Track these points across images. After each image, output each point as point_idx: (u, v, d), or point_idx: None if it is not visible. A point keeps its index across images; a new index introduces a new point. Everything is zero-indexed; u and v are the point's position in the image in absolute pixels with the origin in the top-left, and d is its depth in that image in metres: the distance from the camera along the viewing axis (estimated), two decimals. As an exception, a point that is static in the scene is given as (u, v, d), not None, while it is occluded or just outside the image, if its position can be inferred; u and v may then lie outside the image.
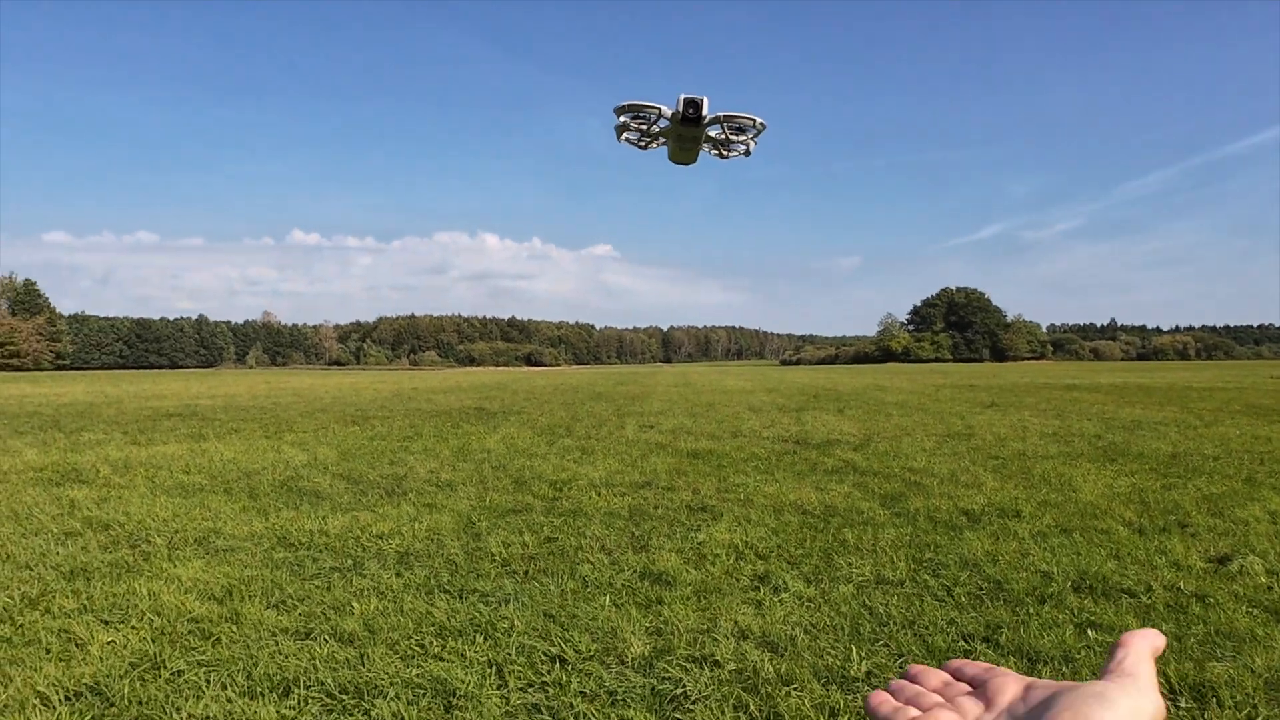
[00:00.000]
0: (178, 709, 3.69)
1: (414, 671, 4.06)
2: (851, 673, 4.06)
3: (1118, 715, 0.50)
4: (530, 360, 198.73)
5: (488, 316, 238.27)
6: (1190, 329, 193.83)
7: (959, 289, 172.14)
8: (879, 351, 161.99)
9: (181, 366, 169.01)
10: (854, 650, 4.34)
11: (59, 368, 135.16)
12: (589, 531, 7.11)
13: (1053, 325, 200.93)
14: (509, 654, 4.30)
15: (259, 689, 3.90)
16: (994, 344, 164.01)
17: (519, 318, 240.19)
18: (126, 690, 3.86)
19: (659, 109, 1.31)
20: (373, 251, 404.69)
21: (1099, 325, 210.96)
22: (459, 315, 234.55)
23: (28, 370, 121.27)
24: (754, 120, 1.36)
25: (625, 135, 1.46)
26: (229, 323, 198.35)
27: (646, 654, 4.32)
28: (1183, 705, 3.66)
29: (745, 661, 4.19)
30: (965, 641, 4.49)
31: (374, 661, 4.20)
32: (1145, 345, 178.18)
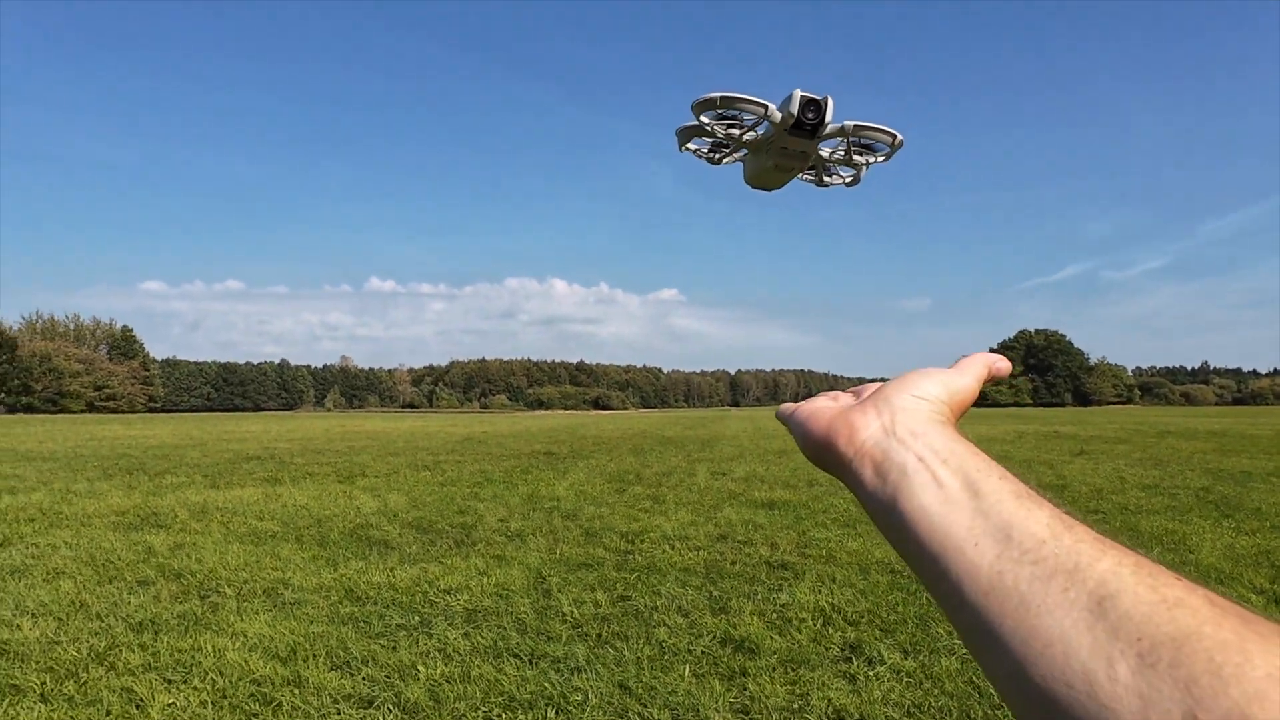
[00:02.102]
0: (232, 787, 3.46)
1: (481, 751, 3.75)
2: (967, 768, 3.59)
3: (932, 381, 0.62)
4: (598, 404, 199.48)
5: (556, 360, 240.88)
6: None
7: (1037, 331, 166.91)
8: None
9: (264, 409, 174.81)
10: (967, 740, 3.87)
11: (151, 410, 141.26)
12: (664, 590, 6.75)
13: (1139, 368, 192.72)
14: (583, 733, 3.96)
15: (318, 765, 3.64)
16: (1076, 387, 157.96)
17: (586, 361, 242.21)
18: (182, 763, 3.65)
19: (764, 106, 0.91)
20: (445, 297, 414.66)
21: (1189, 368, 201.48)
22: (528, 359, 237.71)
23: (122, 412, 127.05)
24: (891, 135, 0.98)
25: (692, 143, 1.05)
26: (309, 366, 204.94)
27: (733, 736, 3.93)
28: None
29: (844, 750, 3.76)
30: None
31: (439, 737, 3.91)
32: (1241, 389, 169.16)
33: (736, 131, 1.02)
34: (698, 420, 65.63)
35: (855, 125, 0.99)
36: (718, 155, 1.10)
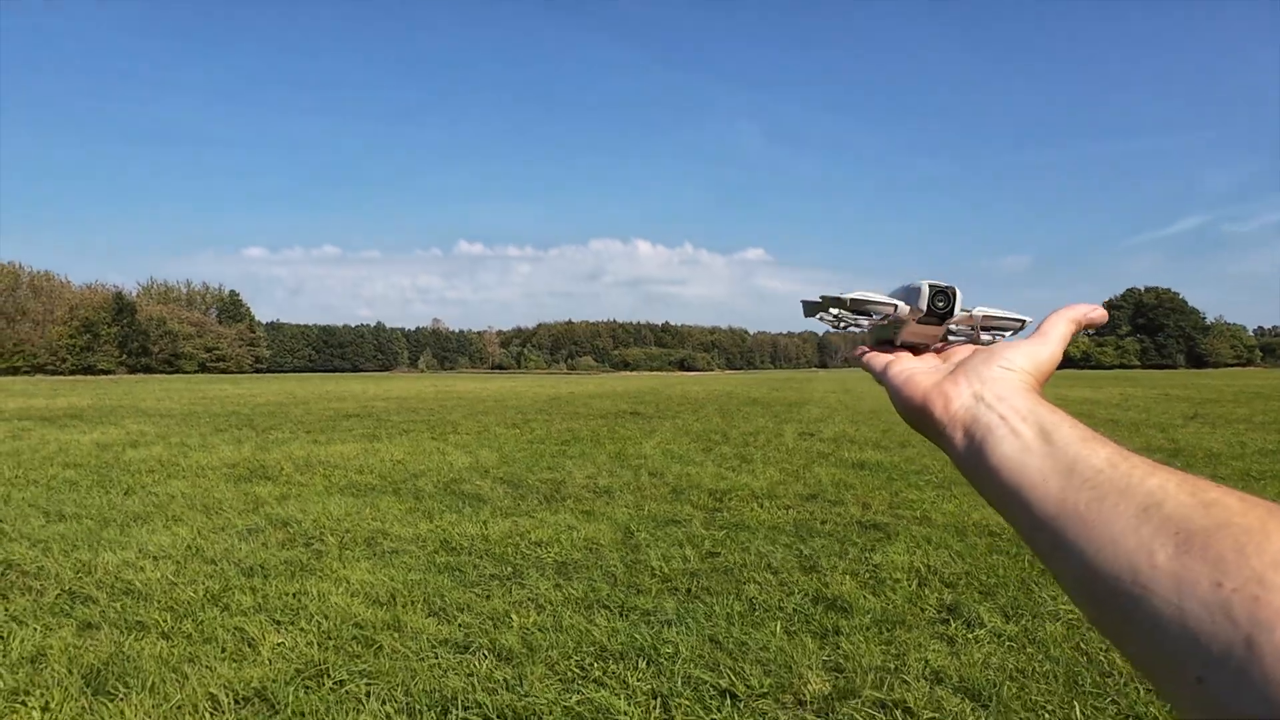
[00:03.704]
0: (338, 722, 3.59)
1: (574, 698, 3.79)
2: (1076, 735, 3.44)
3: (1018, 352, 0.67)
4: (683, 365, 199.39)
5: (641, 321, 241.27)
6: None
7: (1147, 289, 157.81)
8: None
9: (361, 369, 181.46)
10: (1076, 707, 3.70)
11: (257, 370, 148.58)
12: (753, 547, 6.69)
13: (1261, 328, 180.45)
14: (674, 685, 3.95)
15: (418, 706, 3.75)
16: (1190, 349, 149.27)
17: (671, 323, 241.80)
18: (291, 698, 3.81)
19: (894, 305, 0.86)
20: (532, 260, 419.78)
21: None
22: (613, 321, 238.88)
23: (231, 372, 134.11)
24: (1020, 322, 0.91)
25: (817, 316, 1.01)
26: (403, 329, 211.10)
27: (827, 693, 3.86)
28: None
29: (943, 711, 3.65)
30: (1216, 704, 3.74)
31: (533, 683, 3.97)
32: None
33: (865, 323, 0.98)
34: (785, 381, 64.95)
35: (984, 315, 0.93)
36: (843, 325, 1.07)
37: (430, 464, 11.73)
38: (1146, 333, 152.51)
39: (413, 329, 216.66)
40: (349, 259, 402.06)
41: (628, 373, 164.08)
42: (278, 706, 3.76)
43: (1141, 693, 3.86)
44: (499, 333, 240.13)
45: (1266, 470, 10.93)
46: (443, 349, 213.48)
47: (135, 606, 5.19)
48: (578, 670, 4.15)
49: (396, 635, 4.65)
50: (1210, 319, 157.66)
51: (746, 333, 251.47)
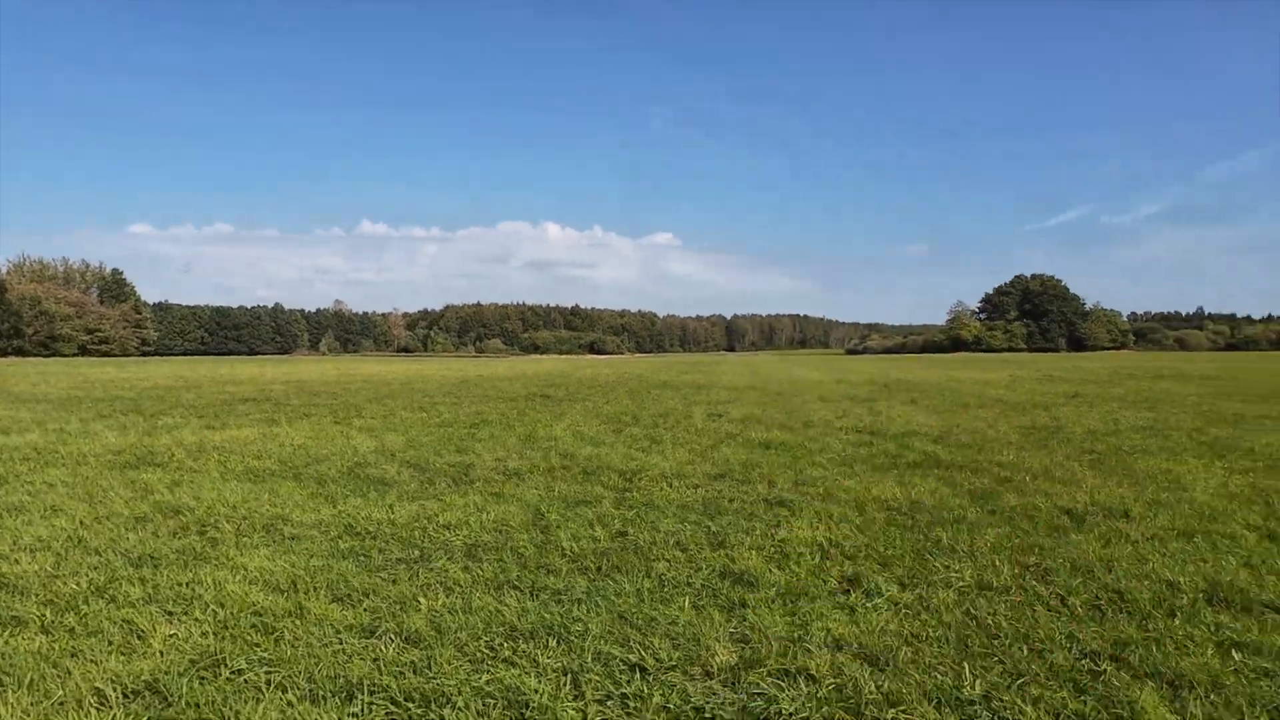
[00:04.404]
0: (236, 712, 3.47)
1: (484, 678, 3.77)
2: (965, 694, 3.63)
3: None
4: (593, 348, 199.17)
5: (550, 304, 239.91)
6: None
7: (1034, 276, 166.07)
8: (948, 341, 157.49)
9: (259, 353, 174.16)
10: (965, 667, 3.90)
11: (144, 353, 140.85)
12: (662, 526, 6.77)
13: (1134, 314, 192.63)
14: (584, 661, 3.98)
15: (321, 692, 3.66)
16: (1071, 333, 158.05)
17: (581, 306, 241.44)
18: (185, 690, 3.66)
19: None
20: (439, 241, 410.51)
21: (1184, 314, 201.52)
22: (523, 303, 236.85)
23: (115, 356, 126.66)
24: None
25: None
26: (303, 311, 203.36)
27: (733, 664, 3.96)
28: (1367, 748, 3.14)
29: (843, 677, 3.79)
30: (1091, 660, 4.01)
31: (442, 665, 3.93)
32: (1235, 335, 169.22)
33: None
34: (693, 364, 65.76)
35: None
36: None
37: (333, 448, 11.40)
38: (1033, 318, 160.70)
39: (314, 311, 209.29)
40: (244, 237, 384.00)
41: (537, 356, 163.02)
42: (170, 699, 3.61)
43: (1025, 651, 4.10)
44: (405, 315, 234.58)
45: (1138, 445, 11.71)
46: (346, 331, 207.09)
47: (10, 601, 4.88)
48: (487, 651, 4.13)
49: (299, 622, 4.52)
50: (1089, 305, 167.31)
51: (656, 316, 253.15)
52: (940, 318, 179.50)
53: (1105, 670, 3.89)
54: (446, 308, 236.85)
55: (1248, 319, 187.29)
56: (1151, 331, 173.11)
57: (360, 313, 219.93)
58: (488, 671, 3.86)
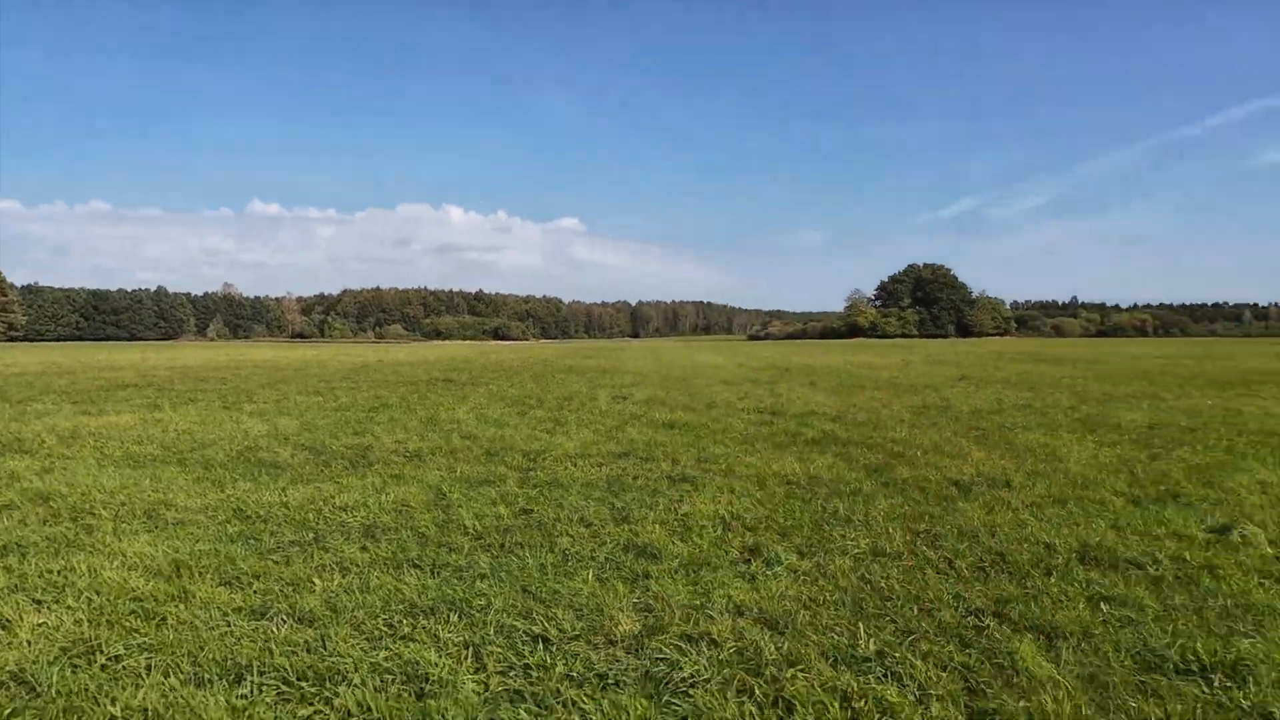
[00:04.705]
0: (113, 699, 3.28)
1: (381, 654, 3.68)
2: (860, 652, 3.75)
3: None
4: (497, 334, 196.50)
5: (454, 290, 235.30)
6: (1148, 306, 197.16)
7: (925, 265, 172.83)
8: (846, 327, 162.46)
9: (141, 338, 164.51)
10: (860, 628, 4.04)
11: (11, 339, 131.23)
12: (567, 503, 6.75)
13: (1016, 302, 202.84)
14: (486, 634, 3.93)
15: (207, 675, 3.50)
16: (960, 320, 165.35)
17: (485, 291, 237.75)
18: (55, 678, 3.43)
19: None
20: (335, 223, 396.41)
21: (1060, 302, 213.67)
22: (424, 288, 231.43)
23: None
24: None
25: None
26: (189, 294, 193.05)
27: (637, 632, 3.98)
28: (1216, 683, 3.41)
29: (744, 640, 3.86)
30: (976, 617, 4.21)
31: (337, 643, 3.81)
32: (1105, 322, 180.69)
33: None
34: (599, 349, 65.76)
35: None
36: None
37: (221, 433, 10.89)
38: (924, 305, 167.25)
39: (201, 294, 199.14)
40: (123, 216, 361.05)
41: (440, 341, 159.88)
42: (39, 688, 3.38)
43: (916, 611, 4.27)
44: (300, 299, 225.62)
45: (1019, 422, 12.36)
46: (236, 316, 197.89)
47: None
48: (386, 628, 4.03)
49: (183, 606, 4.30)
50: (976, 293, 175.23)
51: (561, 302, 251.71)
52: (839, 305, 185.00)
53: (988, 625, 4.10)
54: (344, 292, 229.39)
55: (1116, 307, 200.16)
56: (1031, 319, 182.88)
57: (252, 297, 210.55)
58: (386, 648, 3.76)
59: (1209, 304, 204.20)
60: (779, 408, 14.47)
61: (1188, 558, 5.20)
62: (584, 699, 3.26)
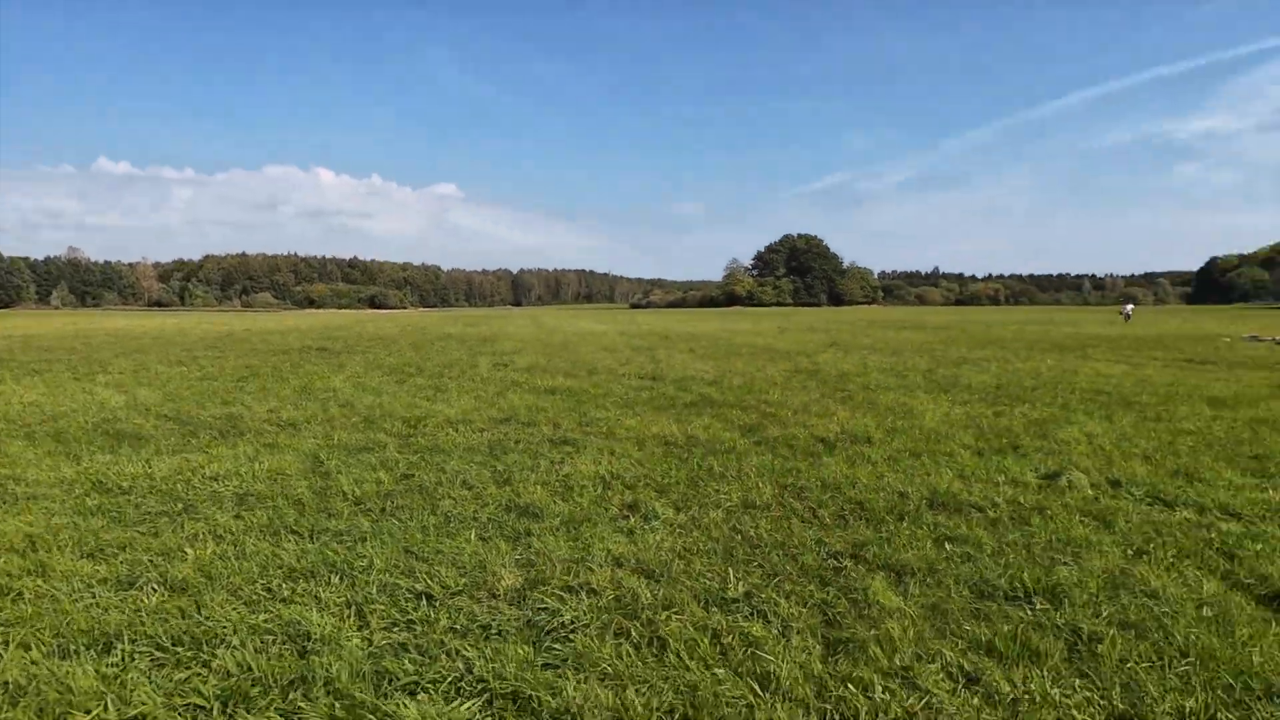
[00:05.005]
0: (-30, 675, 3.15)
1: (261, 617, 3.67)
2: (729, 594, 4.02)
3: None
4: (374, 302, 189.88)
5: (327, 256, 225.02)
6: (1001, 277, 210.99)
7: (800, 236, 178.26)
8: (724, 296, 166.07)
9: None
10: (730, 573, 4.31)
11: None
12: (448, 467, 6.78)
13: (884, 272, 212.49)
14: (369, 593, 3.97)
15: (73, 646, 3.40)
16: (831, 289, 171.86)
17: (361, 258, 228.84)
18: (-98, 657, 3.26)
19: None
20: (194, 184, 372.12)
21: (924, 273, 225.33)
22: (295, 254, 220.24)
23: None
24: None
25: None
26: (27, 259, 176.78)
27: (519, 586, 4.11)
28: (1038, 606, 3.85)
29: (623, 589, 4.06)
30: (835, 559, 4.57)
31: (213, 609, 3.76)
32: (963, 291, 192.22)
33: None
34: (480, 317, 64.84)
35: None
36: None
37: (74, 404, 10.24)
38: (798, 274, 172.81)
39: (42, 259, 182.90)
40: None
41: (313, 310, 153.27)
42: (-117, 669, 3.20)
43: (781, 557, 4.59)
44: (156, 265, 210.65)
45: (882, 384, 13.12)
46: (83, 283, 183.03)
47: None
48: (264, 592, 4.00)
49: (41, 580, 4.13)
50: (847, 264, 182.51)
51: (440, 270, 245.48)
52: (718, 275, 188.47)
53: (846, 566, 4.45)
54: (206, 258, 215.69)
55: (973, 278, 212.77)
56: (897, 288, 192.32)
57: (101, 261, 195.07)
58: (266, 610, 3.75)
59: (1054, 275, 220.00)
60: (659, 373, 14.80)
61: (1021, 501, 5.77)
62: (468, 648, 3.38)
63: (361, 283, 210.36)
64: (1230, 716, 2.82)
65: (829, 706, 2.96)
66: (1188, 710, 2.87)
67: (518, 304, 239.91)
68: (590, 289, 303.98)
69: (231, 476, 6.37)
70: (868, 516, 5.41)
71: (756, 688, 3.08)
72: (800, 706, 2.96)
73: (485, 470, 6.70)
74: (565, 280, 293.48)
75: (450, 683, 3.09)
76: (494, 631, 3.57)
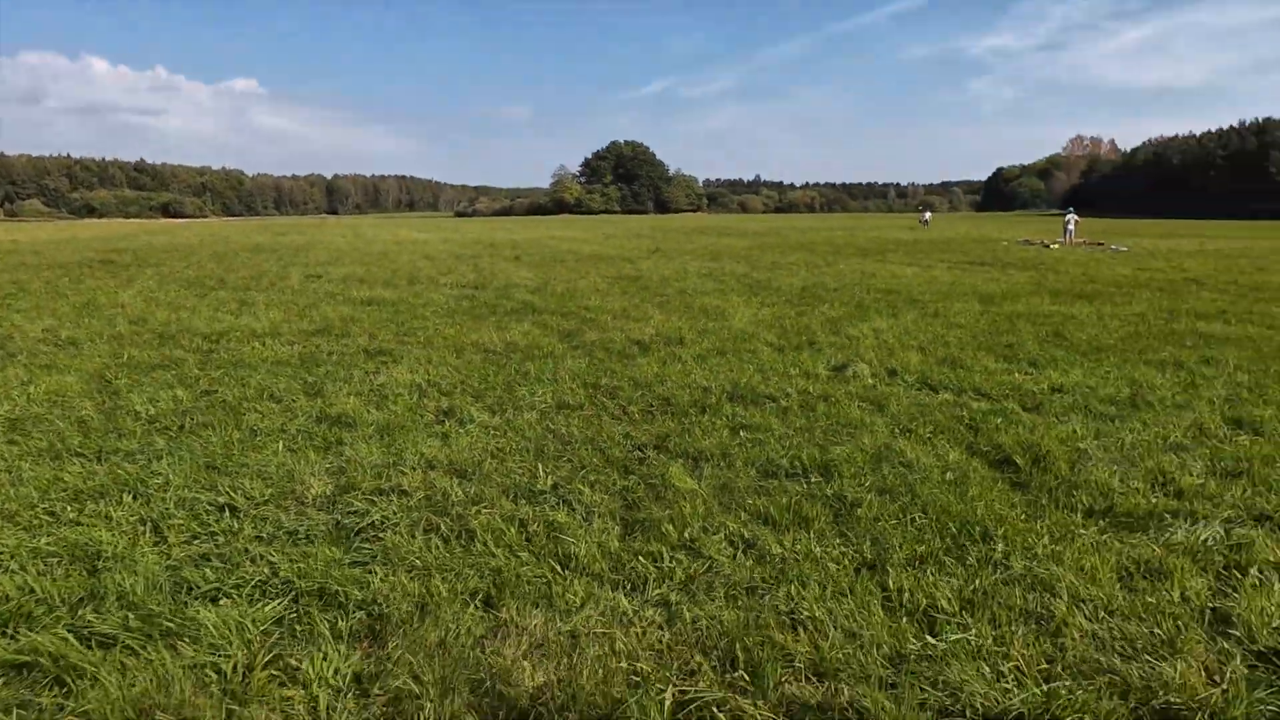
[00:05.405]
0: None
1: (43, 540, 3.50)
2: (539, 487, 4.23)
3: None
4: (168, 211, 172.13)
5: (109, 159, 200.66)
6: (817, 185, 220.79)
7: (626, 142, 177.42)
8: (552, 203, 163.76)
9: None
10: (540, 468, 4.51)
11: None
12: (254, 382, 6.53)
13: (709, 180, 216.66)
14: (166, 509, 3.86)
15: None
16: (658, 197, 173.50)
17: (150, 162, 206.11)
18: None
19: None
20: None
21: (746, 181, 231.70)
22: (69, 156, 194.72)
23: None
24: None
25: None
26: None
27: (329, 493, 4.13)
28: (813, 480, 4.32)
29: (434, 489, 4.17)
30: (640, 451, 4.88)
31: (-13, 537, 3.54)
32: (782, 199, 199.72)
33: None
34: (291, 226, 60.82)
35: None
36: None
37: None
38: (626, 181, 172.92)
39: None
40: None
41: (95, 220, 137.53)
42: None
43: (590, 451, 4.84)
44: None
45: (699, 288, 13.66)
46: None
47: None
48: (47, 516, 3.80)
49: None
50: (673, 171, 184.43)
51: (245, 175, 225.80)
52: (546, 182, 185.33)
53: (649, 456, 4.77)
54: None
55: (792, 186, 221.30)
56: (721, 196, 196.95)
57: None
58: (49, 534, 3.58)
59: (864, 184, 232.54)
60: (482, 282, 14.65)
61: (811, 391, 6.32)
62: (273, 554, 3.40)
63: (152, 189, 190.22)
64: (950, 557, 3.36)
65: (621, 577, 3.25)
66: (919, 554, 3.38)
67: (333, 212, 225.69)
68: (413, 196, 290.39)
69: (1, 401, 5.85)
70: (673, 411, 5.77)
71: (557, 567, 3.32)
72: (596, 579, 3.23)
73: (295, 383, 6.52)
74: (385, 187, 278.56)
75: (254, 586, 3.11)
76: (301, 536, 3.60)
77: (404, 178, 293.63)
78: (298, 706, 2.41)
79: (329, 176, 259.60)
